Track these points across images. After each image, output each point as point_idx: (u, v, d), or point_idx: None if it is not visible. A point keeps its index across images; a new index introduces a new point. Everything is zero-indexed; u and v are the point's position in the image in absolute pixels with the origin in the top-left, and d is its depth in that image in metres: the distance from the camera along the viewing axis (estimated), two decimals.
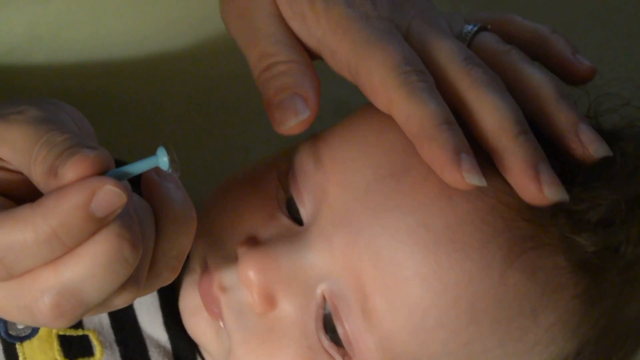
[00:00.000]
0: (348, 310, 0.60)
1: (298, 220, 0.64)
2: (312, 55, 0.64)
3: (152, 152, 0.53)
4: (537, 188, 0.57)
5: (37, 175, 0.51)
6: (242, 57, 0.83)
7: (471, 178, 0.56)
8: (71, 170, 0.49)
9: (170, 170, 0.52)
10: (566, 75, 0.66)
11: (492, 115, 0.59)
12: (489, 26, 0.67)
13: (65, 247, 0.49)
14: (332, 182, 0.61)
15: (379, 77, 0.59)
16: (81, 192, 0.48)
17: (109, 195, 0.48)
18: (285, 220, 0.64)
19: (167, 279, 0.55)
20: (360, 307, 0.59)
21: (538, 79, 0.62)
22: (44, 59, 0.76)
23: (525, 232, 0.58)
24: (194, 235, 0.55)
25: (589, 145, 0.60)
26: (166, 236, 0.53)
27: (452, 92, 0.60)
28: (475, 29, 0.65)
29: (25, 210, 0.49)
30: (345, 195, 0.60)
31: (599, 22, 0.89)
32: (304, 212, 0.63)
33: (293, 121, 0.60)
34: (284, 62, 0.62)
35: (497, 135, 0.58)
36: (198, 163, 0.84)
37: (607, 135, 0.62)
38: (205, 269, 0.65)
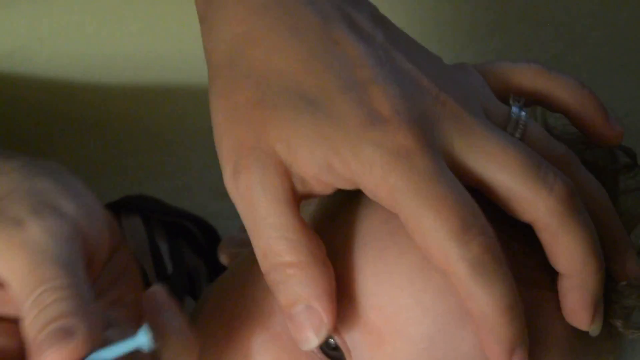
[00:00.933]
0: None
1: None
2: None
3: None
4: (588, 323, 0.58)
5: (24, 326, 0.50)
6: None
7: None
8: (51, 356, 0.48)
9: (149, 349, 0.50)
10: (596, 138, 0.63)
11: (577, 246, 0.56)
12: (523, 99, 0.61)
13: None
14: (389, 331, 0.57)
15: (435, 244, 0.53)
16: None
17: None
18: None
19: None
20: None
21: (596, 192, 0.60)
22: (45, 60, 0.76)
23: None
24: None
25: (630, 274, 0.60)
26: None
27: (529, 213, 0.56)
28: (525, 117, 0.59)
29: None
30: (408, 347, 0.56)
31: (600, 22, 0.89)
32: (347, 354, 0.58)
33: (313, 342, 0.56)
34: (291, 265, 0.55)
35: (579, 269, 0.56)
36: (198, 167, 0.84)
37: None
38: None
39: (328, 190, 0.57)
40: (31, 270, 0.50)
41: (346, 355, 0.58)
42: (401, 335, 0.56)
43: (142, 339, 0.49)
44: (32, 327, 0.49)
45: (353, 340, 0.57)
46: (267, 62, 0.57)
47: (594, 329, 0.58)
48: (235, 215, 0.57)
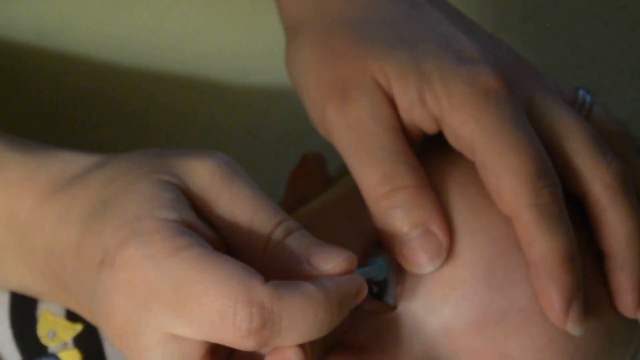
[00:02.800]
0: None
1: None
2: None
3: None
4: (634, 308, 0.58)
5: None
6: (247, 55, 0.83)
7: (572, 327, 0.56)
8: (339, 266, 0.52)
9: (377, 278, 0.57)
10: None
11: (623, 225, 0.58)
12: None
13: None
14: (452, 252, 0.58)
15: (509, 185, 0.55)
16: (355, 284, 0.52)
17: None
18: (369, 306, 0.58)
19: None
20: None
21: None
22: (49, 56, 0.76)
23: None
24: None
25: None
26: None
27: (584, 185, 0.58)
28: (592, 100, 0.62)
29: (309, 288, 0.50)
30: (464, 272, 0.57)
31: (603, 23, 0.88)
32: (400, 285, 0.58)
33: (430, 267, 0.56)
34: (407, 188, 0.56)
35: (622, 248, 0.58)
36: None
37: None
38: None
39: (415, 131, 0.59)
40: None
41: (398, 294, 0.57)
42: (460, 261, 0.57)
43: (382, 270, 0.56)
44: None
45: (406, 275, 0.57)
46: (361, 15, 0.60)
47: None
48: None
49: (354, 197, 0.59)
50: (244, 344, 0.49)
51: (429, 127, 0.58)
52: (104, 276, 0.50)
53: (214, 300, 0.48)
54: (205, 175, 0.54)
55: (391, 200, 0.56)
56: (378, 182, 0.56)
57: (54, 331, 0.63)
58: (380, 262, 0.57)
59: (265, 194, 0.54)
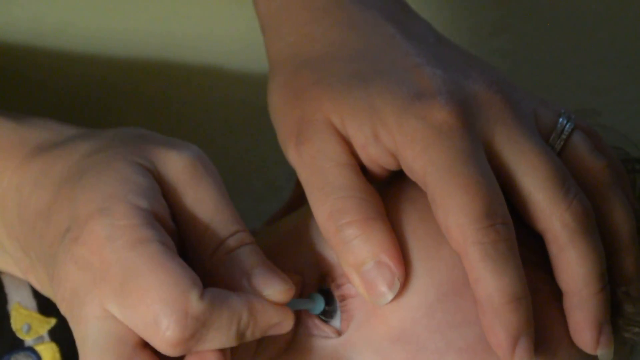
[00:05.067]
0: None
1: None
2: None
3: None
4: (593, 346, 0.58)
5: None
6: (246, 55, 0.83)
7: None
8: (275, 295, 0.55)
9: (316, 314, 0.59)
10: None
11: (580, 265, 0.57)
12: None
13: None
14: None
15: (455, 223, 0.55)
16: (280, 316, 0.55)
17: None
18: (316, 326, 0.60)
19: None
20: None
21: (620, 217, 0.60)
22: (47, 55, 0.76)
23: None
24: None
25: None
26: None
27: (542, 223, 0.58)
28: (570, 128, 0.61)
29: (238, 306, 0.53)
30: (404, 313, 0.57)
31: (604, 23, 0.88)
32: (345, 316, 0.59)
33: (388, 296, 0.57)
34: (355, 222, 0.57)
35: (580, 287, 0.58)
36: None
37: None
38: None
39: (376, 169, 0.59)
40: None
41: (344, 322, 0.59)
42: (401, 303, 0.57)
43: (319, 305, 0.58)
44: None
45: (353, 306, 0.59)
46: (326, 53, 0.61)
47: (602, 354, 0.58)
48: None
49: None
50: (168, 350, 0.52)
51: (388, 163, 0.59)
52: (66, 244, 0.53)
53: (154, 303, 0.51)
54: (178, 167, 0.56)
55: (341, 235, 0.57)
56: (327, 218, 0.57)
57: (29, 325, 0.64)
58: (317, 298, 0.58)
59: (229, 200, 0.57)
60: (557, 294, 0.59)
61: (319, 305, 0.59)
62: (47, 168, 0.58)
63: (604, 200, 0.60)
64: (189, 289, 0.52)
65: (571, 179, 0.58)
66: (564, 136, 0.61)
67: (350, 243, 0.57)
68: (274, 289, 0.55)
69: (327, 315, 0.59)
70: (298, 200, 0.72)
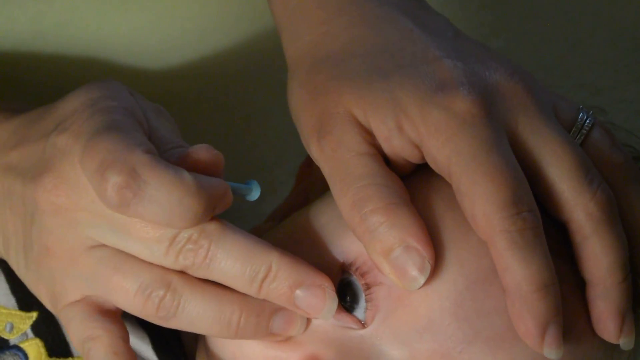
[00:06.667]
0: None
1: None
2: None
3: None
4: (616, 335, 0.58)
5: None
6: (246, 55, 0.83)
7: (548, 352, 0.56)
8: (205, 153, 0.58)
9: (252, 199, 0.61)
10: None
11: (605, 255, 0.57)
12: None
13: None
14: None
15: (482, 212, 0.55)
16: (223, 188, 0.57)
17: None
18: (341, 318, 0.59)
19: None
20: None
21: (638, 210, 0.61)
22: (48, 55, 0.76)
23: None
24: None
25: None
26: None
27: (566, 213, 0.58)
28: (590, 123, 0.61)
29: (184, 174, 0.56)
30: (432, 302, 0.57)
31: (603, 23, 0.89)
32: (370, 306, 0.59)
33: (420, 280, 0.56)
34: (378, 209, 0.56)
35: (604, 277, 0.58)
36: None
37: None
38: None
39: (400, 161, 0.59)
40: None
41: (369, 312, 0.58)
42: (429, 292, 0.57)
43: (255, 192, 0.60)
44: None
45: (378, 295, 0.58)
46: (344, 50, 0.61)
47: (624, 342, 0.58)
48: None
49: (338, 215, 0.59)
50: (107, 196, 0.55)
51: (412, 156, 0.59)
52: (52, 138, 0.59)
53: (100, 151, 0.55)
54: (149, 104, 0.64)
55: (366, 224, 0.57)
56: (351, 208, 0.57)
57: (11, 323, 0.65)
58: (254, 184, 0.60)
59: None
60: (579, 284, 0.59)
61: (256, 192, 0.60)
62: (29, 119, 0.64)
63: (625, 194, 0.60)
64: (136, 145, 0.55)
65: (594, 169, 0.58)
66: (584, 130, 0.61)
67: (376, 231, 0.56)
68: (201, 149, 0.58)
69: (350, 306, 0.59)
70: (299, 196, 0.72)
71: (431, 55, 0.59)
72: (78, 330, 0.59)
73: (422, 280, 0.56)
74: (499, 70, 0.60)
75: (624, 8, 0.89)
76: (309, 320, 0.59)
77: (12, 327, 0.65)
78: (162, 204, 0.54)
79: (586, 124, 0.61)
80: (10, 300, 0.65)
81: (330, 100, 0.59)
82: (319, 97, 0.60)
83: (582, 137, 0.61)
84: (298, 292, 0.57)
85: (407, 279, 0.56)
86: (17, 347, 0.64)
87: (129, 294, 0.57)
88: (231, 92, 0.84)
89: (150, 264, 0.57)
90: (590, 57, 0.87)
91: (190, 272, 0.57)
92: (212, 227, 0.56)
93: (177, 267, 0.57)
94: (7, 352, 0.64)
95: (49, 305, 0.61)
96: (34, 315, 0.65)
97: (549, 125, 0.58)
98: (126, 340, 0.59)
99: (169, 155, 0.58)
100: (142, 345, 0.65)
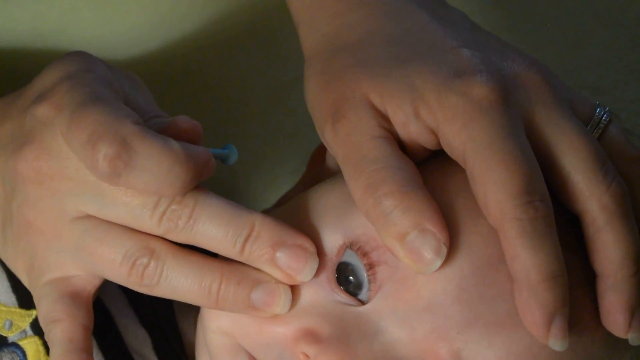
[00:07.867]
0: None
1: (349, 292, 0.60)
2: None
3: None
4: (625, 329, 0.58)
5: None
6: (245, 55, 0.83)
7: (553, 343, 0.56)
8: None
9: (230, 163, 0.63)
10: None
11: (617, 247, 0.57)
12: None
13: None
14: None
15: (494, 198, 0.55)
16: (207, 155, 0.58)
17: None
18: (340, 296, 0.59)
19: None
20: None
21: None
22: (48, 55, 0.76)
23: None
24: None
25: None
26: None
27: (581, 203, 0.58)
28: (607, 119, 0.61)
29: (173, 143, 0.57)
30: (437, 284, 0.57)
31: (603, 23, 0.89)
32: (373, 286, 0.58)
33: (436, 263, 0.56)
34: (392, 193, 0.56)
35: (615, 270, 0.58)
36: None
37: None
38: None
39: (416, 148, 0.59)
40: None
41: (372, 292, 0.58)
42: (435, 274, 0.57)
43: (232, 156, 0.62)
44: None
45: (382, 275, 0.58)
46: (362, 40, 0.61)
47: (632, 338, 0.58)
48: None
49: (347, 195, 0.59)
50: (99, 167, 0.55)
51: (428, 142, 0.59)
52: (30, 110, 0.60)
53: (89, 123, 0.56)
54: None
55: (380, 207, 0.56)
56: (364, 192, 0.57)
57: (10, 321, 0.65)
58: (232, 148, 0.63)
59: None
60: (588, 279, 0.59)
61: (233, 156, 0.62)
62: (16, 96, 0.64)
63: (637, 190, 0.60)
64: (125, 116, 0.56)
65: (610, 162, 0.58)
66: (601, 125, 0.61)
67: (391, 214, 0.56)
68: (181, 118, 0.60)
69: (354, 289, 0.59)
70: (308, 183, 0.72)
71: (449, 45, 0.59)
72: (45, 311, 0.60)
73: (438, 263, 0.56)
74: (517, 61, 0.60)
75: (624, 8, 0.89)
76: (295, 300, 0.59)
77: (11, 325, 0.65)
78: (152, 173, 0.56)
79: (604, 118, 0.61)
80: (11, 298, 0.66)
81: (346, 86, 0.59)
82: (336, 82, 0.60)
83: (600, 132, 0.61)
84: (279, 253, 0.57)
85: (422, 263, 0.56)
86: (15, 345, 0.65)
87: (115, 264, 0.57)
88: (232, 91, 0.84)
89: (134, 231, 0.58)
90: (590, 57, 0.87)
91: (173, 235, 0.57)
92: (197, 190, 0.57)
93: (161, 230, 0.57)
94: (6, 350, 0.64)
95: (26, 282, 0.62)
96: (33, 313, 0.65)
97: (566, 117, 0.58)
98: (87, 328, 0.59)
99: (150, 125, 0.59)
100: (142, 345, 0.65)
